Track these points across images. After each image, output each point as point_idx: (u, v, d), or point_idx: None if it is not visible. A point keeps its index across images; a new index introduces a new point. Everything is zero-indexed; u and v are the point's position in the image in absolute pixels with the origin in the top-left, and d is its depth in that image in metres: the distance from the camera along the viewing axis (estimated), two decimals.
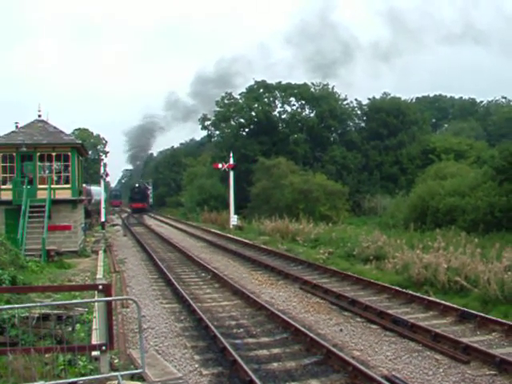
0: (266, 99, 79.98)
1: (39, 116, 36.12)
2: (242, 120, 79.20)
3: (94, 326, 12.32)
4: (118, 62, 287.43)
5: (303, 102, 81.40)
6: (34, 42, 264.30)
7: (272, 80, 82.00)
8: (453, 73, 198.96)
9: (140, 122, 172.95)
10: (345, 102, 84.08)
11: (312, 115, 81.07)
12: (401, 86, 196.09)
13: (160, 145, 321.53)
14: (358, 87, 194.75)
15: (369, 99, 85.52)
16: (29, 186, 32.69)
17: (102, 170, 67.07)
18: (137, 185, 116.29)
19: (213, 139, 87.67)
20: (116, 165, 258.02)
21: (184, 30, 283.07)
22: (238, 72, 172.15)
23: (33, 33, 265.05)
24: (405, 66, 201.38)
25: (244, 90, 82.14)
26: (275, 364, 12.49)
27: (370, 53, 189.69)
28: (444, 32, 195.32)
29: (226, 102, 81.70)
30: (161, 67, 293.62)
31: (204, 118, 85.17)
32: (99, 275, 23.32)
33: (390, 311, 16.61)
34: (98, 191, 65.05)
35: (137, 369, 11.17)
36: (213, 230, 51.33)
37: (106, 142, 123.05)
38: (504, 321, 14.66)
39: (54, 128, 35.55)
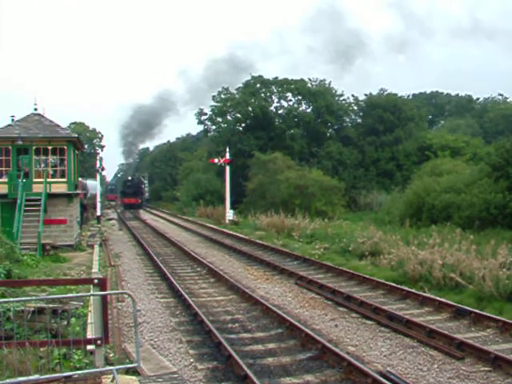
0: (262, 94, 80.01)
1: (35, 109, 36.01)
2: (238, 115, 79.26)
3: (89, 320, 12.31)
4: (118, 58, 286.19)
5: (300, 97, 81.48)
6: (32, 36, 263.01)
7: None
8: (456, 69, 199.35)
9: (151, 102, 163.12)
10: (341, 98, 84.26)
11: (308, 111, 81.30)
12: (411, 81, 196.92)
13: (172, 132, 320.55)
14: (371, 82, 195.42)
15: (365, 95, 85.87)
16: (24, 180, 32.61)
17: (97, 164, 66.91)
18: (129, 178, 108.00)
19: (209, 134, 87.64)
20: (112, 159, 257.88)
21: (187, 24, 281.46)
22: (251, 60, 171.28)
23: (32, 28, 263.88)
24: (414, 61, 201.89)
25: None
26: (270, 359, 12.50)
27: (379, 46, 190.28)
28: (451, 27, 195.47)
29: (222, 96, 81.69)
30: (165, 60, 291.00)
31: (200, 113, 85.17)
32: (95, 269, 23.29)
33: (385, 307, 16.63)
34: (93, 185, 64.95)
35: (132, 363, 11.17)
36: (208, 225, 51.37)
37: (102, 136, 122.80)
38: (499, 317, 14.69)
39: (50, 122, 35.43)
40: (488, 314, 15.12)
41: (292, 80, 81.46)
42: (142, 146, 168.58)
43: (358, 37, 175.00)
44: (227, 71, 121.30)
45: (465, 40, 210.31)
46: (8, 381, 8.57)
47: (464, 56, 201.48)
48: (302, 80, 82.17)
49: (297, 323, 14.74)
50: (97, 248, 33.10)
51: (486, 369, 11.47)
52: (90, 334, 11.30)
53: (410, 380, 10.94)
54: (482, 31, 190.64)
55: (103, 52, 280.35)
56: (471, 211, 34.77)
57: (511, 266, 18.41)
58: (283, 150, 69.33)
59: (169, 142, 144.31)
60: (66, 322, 12.62)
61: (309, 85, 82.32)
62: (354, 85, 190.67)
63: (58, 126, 35.69)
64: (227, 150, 57.51)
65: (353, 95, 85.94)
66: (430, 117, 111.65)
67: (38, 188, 32.71)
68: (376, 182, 74.22)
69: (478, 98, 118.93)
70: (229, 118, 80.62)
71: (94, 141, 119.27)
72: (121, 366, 10.44)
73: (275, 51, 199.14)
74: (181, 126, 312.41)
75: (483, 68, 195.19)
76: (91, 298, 11.11)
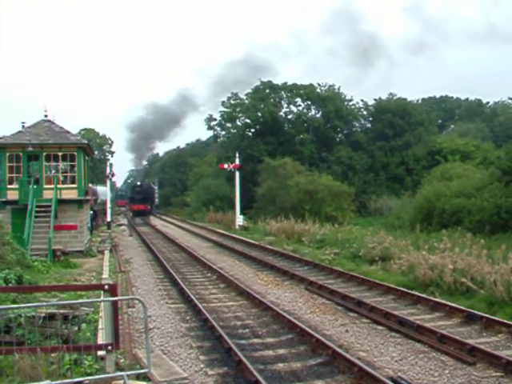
0: (271, 100, 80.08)
1: (45, 116, 36.24)
2: (247, 120, 79.37)
3: (99, 326, 12.36)
4: (126, 60, 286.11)
5: (309, 102, 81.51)
6: (41, 42, 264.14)
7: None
8: (469, 73, 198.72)
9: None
10: (351, 103, 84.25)
11: (318, 116, 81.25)
12: (428, 84, 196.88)
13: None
14: (392, 85, 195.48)
15: (375, 100, 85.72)
16: (35, 186, 32.79)
17: (108, 170, 67.15)
18: (138, 183, 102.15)
19: (219, 139, 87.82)
20: (122, 165, 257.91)
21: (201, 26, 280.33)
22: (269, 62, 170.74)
23: (40, 32, 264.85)
24: (431, 65, 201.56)
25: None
26: (281, 364, 12.48)
27: (396, 50, 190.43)
28: (466, 31, 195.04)
29: (231, 102, 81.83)
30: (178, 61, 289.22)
31: (210, 119, 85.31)
32: (105, 275, 23.39)
33: (395, 312, 16.58)
34: (103, 191, 65.20)
35: (142, 369, 11.18)
36: (218, 231, 51.37)
37: (112, 142, 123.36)
38: (510, 322, 14.60)
39: (61, 128, 35.66)
40: (499, 319, 15.04)
41: (301, 85, 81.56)
42: (156, 149, 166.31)
43: (374, 39, 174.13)
44: (245, 73, 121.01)
45: (481, 44, 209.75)
46: None
47: (475, 60, 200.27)
48: (311, 85, 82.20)
49: (307, 329, 14.71)
50: (107, 254, 33.21)
51: (497, 374, 11.41)
52: (100, 340, 11.35)
53: None
54: (497, 35, 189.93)
55: (111, 55, 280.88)
56: (482, 216, 34.59)
57: None
58: (293, 155, 69.35)
59: (178, 147, 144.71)
60: (76, 328, 12.66)
61: (318, 90, 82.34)
62: (374, 88, 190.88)
63: (68, 132, 35.91)
64: (237, 155, 57.56)
65: (362, 100, 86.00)
66: (440, 121, 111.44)
67: (48, 194, 32.89)
68: (386, 187, 74.11)
69: (487, 102, 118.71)
70: (238, 123, 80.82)
71: (104, 147, 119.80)
72: (131, 372, 10.46)
73: (294, 54, 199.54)
74: (201, 125, 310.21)
75: (492, 71, 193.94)
76: (102, 303, 11.16)
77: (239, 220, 53.63)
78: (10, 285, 17.08)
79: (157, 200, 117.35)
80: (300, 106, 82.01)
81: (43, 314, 11.83)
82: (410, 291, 19.56)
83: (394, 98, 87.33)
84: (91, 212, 45.56)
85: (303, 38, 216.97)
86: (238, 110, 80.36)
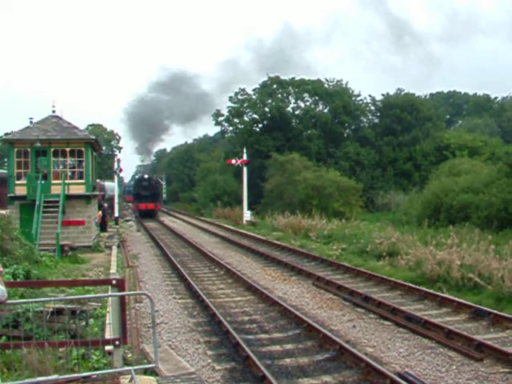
0: (279, 95, 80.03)
1: (53, 112, 36.30)
2: (255, 116, 79.37)
3: (107, 321, 12.37)
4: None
5: (317, 97, 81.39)
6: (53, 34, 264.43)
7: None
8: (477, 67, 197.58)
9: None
10: (358, 98, 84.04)
11: (325, 111, 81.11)
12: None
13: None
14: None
15: (382, 95, 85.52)
16: (43, 182, 32.87)
17: (115, 166, 67.23)
18: (146, 176, 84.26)
19: (226, 135, 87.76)
20: (130, 161, 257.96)
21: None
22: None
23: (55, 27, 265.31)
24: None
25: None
26: (288, 360, 12.50)
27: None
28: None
29: (239, 97, 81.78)
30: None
31: (217, 114, 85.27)
32: (113, 270, 23.37)
33: (403, 308, 16.56)
34: (111, 187, 65.37)
35: (150, 363, 11.22)
36: (226, 226, 51.36)
37: (120, 137, 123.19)
38: None
39: (68, 123, 35.71)
40: (507, 315, 14.98)
41: (309, 80, 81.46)
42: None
43: (403, 24, 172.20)
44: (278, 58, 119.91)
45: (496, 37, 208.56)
46: (27, 380, 8.63)
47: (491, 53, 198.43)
48: (318, 80, 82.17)
49: (314, 324, 14.72)
50: (115, 249, 33.23)
51: (505, 370, 11.38)
52: (108, 335, 11.36)
53: (428, 381, 10.88)
54: None
55: (116, 53, 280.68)
56: (489, 211, 34.52)
57: None
58: (300, 151, 69.37)
59: (186, 143, 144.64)
60: (84, 323, 12.68)
61: (325, 85, 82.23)
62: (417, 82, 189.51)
63: (76, 127, 35.96)
64: (244, 150, 57.56)
65: (370, 95, 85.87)
66: (448, 116, 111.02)
67: (56, 189, 32.96)
68: (393, 183, 74.03)
69: (496, 97, 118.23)
70: (246, 118, 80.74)
71: (112, 142, 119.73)
72: (139, 367, 10.48)
73: (333, 41, 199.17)
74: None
75: (501, 65, 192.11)
76: (109, 298, 11.17)
77: (247, 215, 53.59)
78: (18, 280, 17.14)
79: (164, 196, 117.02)
80: (308, 101, 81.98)
81: (51, 309, 11.86)
82: (417, 287, 19.53)
83: (402, 93, 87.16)
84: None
85: (339, 24, 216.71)
86: (245, 105, 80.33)
